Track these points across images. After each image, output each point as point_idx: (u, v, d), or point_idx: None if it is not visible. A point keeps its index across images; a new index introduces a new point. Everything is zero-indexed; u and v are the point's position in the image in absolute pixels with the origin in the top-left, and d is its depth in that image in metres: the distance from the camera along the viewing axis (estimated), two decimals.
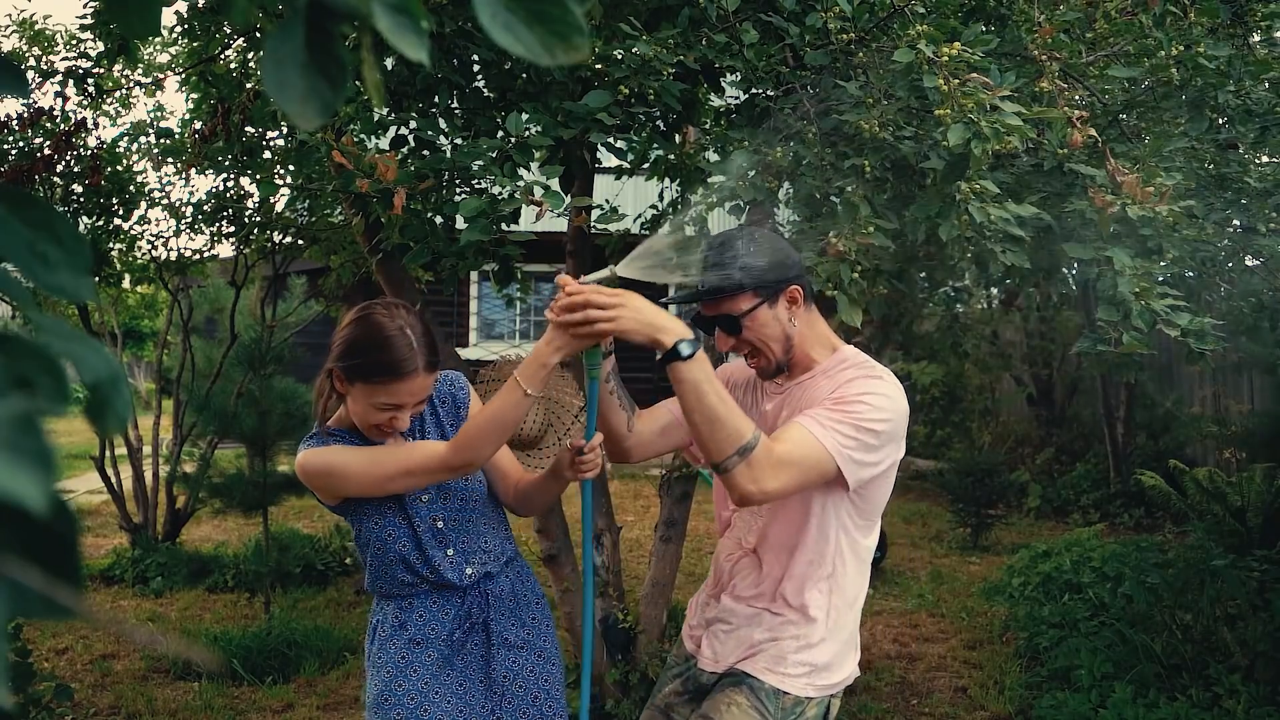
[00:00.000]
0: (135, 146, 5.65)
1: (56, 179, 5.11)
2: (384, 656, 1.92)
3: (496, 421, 1.76)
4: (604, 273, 1.75)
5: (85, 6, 3.73)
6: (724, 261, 1.82)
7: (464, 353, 10.40)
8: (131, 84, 5.40)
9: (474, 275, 11.60)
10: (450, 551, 1.93)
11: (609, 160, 2.96)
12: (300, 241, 5.77)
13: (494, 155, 2.26)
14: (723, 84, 2.87)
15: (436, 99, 2.78)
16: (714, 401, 1.66)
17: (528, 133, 2.33)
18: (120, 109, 5.90)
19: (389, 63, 2.77)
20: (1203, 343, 2.15)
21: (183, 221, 5.84)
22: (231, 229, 5.50)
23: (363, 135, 2.76)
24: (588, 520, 1.95)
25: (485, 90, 2.92)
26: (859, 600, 1.91)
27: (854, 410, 1.74)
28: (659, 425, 1.99)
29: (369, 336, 1.80)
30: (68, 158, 4.88)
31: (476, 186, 2.59)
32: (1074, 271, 3.01)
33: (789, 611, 1.85)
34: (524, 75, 2.78)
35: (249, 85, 3.76)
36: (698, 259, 1.79)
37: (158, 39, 5.48)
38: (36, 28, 5.29)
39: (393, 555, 1.91)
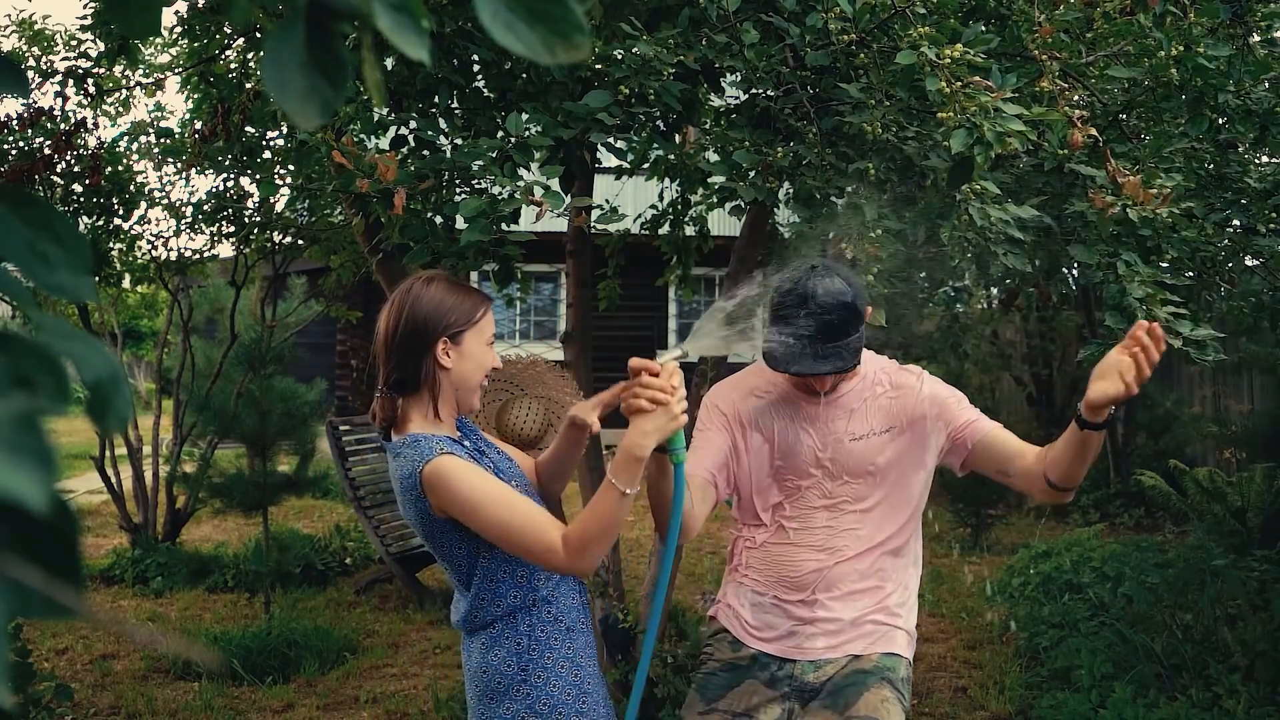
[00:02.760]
0: (135, 146, 5.65)
1: (56, 179, 5.11)
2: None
3: (604, 525, 1.66)
4: (676, 352, 1.71)
5: (85, 6, 3.73)
6: (838, 307, 1.85)
7: None
8: (131, 84, 5.40)
9: (474, 275, 11.57)
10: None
11: (609, 160, 2.95)
12: (300, 241, 5.77)
13: (494, 155, 2.25)
14: (723, 84, 2.86)
15: (436, 99, 2.78)
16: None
17: (528, 133, 2.33)
18: (120, 109, 5.89)
19: (389, 62, 2.77)
20: (1203, 353, 2.15)
21: (183, 221, 5.84)
22: (231, 229, 5.50)
23: (363, 135, 2.76)
24: (679, 497, 1.76)
25: (485, 90, 2.92)
26: None
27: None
28: (698, 491, 1.96)
29: (446, 290, 1.79)
30: (68, 158, 4.88)
31: (476, 186, 2.59)
32: (1074, 272, 3.01)
33: (897, 591, 2.03)
34: (524, 75, 2.78)
35: (249, 85, 3.76)
36: (770, 321, 1.86)
37: (158, 39, 5.48)
38: (36, 28, 5.28)
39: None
